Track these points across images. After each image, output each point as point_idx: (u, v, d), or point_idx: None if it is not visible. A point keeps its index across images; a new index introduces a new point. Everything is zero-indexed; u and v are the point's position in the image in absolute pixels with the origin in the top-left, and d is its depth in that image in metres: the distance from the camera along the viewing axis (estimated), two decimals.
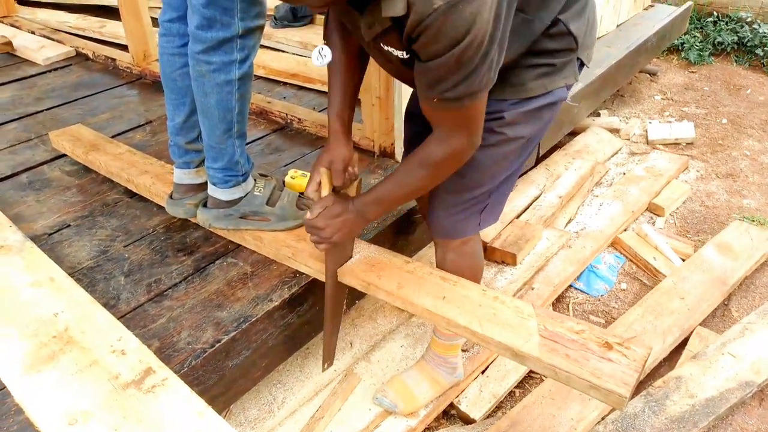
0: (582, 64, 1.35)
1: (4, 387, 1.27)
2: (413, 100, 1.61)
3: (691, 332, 1.99)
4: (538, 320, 1.31)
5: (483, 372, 1.86)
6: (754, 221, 2.45)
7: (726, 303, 2.16)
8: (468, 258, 1.56)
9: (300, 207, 1.73)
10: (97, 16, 3.84)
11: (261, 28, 1.50)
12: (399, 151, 2.13)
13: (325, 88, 2.72)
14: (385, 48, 1.14)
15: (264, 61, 3.03)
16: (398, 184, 1.31)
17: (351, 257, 1.54)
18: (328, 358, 1.69)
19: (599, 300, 2.22)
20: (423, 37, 1.03)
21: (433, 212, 1.51)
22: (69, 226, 1.88)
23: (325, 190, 1.38)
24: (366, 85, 2.01)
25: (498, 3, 1.01)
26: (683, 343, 1.97)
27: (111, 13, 3.82)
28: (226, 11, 1.40)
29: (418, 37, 1.03)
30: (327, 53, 1.32)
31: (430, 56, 1.06)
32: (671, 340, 1.94)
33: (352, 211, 1.35)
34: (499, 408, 1.81)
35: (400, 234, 1.93)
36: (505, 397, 1.83)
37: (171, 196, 1.79)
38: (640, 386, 1.81)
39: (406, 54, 1.12)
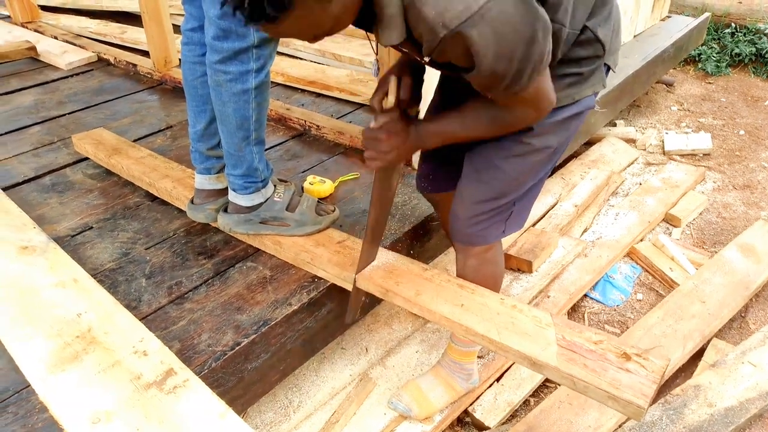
0: (608, 69, 1.35)
1: (29, 385, 1.30)
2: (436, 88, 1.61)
3: (710, 340, 1.98)
4: (557, 330, 1.31)
5: (498, 380, 1.86)
6: None
7: (743, 315, 2.15)
8: (489, 265, 1.55)
9: (319, 213, 1.75)
10: (118, 22, 3.90)
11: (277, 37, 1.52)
12: (415, 158, 2.14)
13: (342, 96, 2.77)
14: (406, 51, 1.15)
15: (283, 69, 3.07)
16: (464, 125, 1.26)
17: (395, 193, 1.51)
18: (354, 313, 1.63)
19: (615, 310, 2.21)
20: (442, 58, 1.04)
21: (457, 219, 1.49)
22: (91, 228, 1.91)
23: (392, 99, 1.28)
24: None
25: (502, 13, 0.98)
26: (701, 351, 1.96)
27: (132, 19, 3.89)
28: (242, 22, 1.42)
29: (437, 59, 1.05)
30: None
31: (464, 70, 1.06)
32: (691, 345, 1.92)
33: (413, 134, 1.29)
34: (513, 416, 1.81)
35: (417, 241, 1.94)
36: (520, 405, 1.83)
37: (192, 201, 1.82)
38: (658, 394, 1.80)
39: (423, 60, 1.13)
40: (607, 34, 1.26)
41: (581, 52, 1.25)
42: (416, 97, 1.35)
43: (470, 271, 1.55)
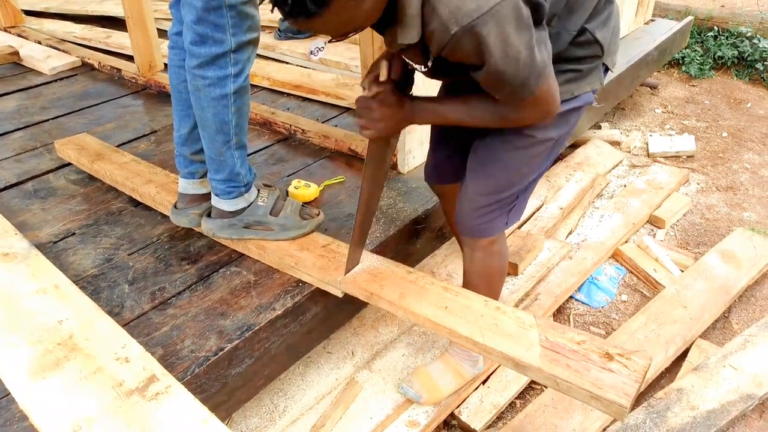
0: (607, 69, 1.40)
1: (9, 393, 1.28)
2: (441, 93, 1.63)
3: (692, 343, 1.99)
4: (540, 331, 1.32)
5: (484, 382, 1.86)
6: (756, 232, 2.46)
7: (726, 315, 2.17)
8: (496, 256, 1.61)
9: (303, 216, 1.75)
10: (103, 26, 3.88)
11: (255, 41, 1.51)
12: (402, 162, 2.14)
13: (328, 100, 2.77)
14: (407, 61, 1.19)
15: (268, 73, 3.06)
16: (464, 112, 1.29)
17: (388, 170, 1.52)
18: (351, 268, 1.62)
19: (600, 311, 2.22)
20: (452, 57, 1.08)
21: (463, 213, 1.54)
22: (74, 234, 1.90)
23: (384, 74, 1.30)
24: None
25: (515, 9, 1.03)
26: (684, 354, 1.97)
27: (117, 23, 3.87)
28: (218, 28, 1.42)
29: (447, 57, 1.09)
30: (322, 46, 1.36)
31: (472, 68, 1.10)
32: (674, 349, 1.94)
33: (406, 106, 1.32)
34: (500, 418, 1.81)
35: (402, 244, 1.94)
36: (506, 407, 1.84)
37: (176, 206, 1.81)
38: (641, 397, 1.81)
39: (425, 68, 1.17)
40: (606, 36, 1.31)
41: (580, 52, 1.30)
42: (408, 79, 1.38)
43: (478, 263, 1.60)
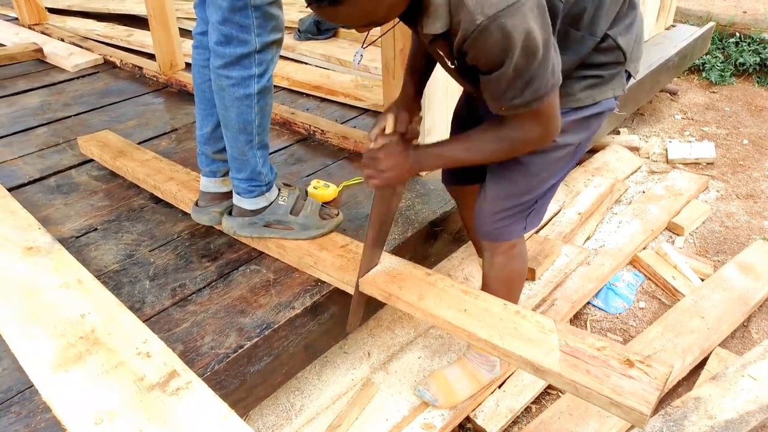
0: (629, 76, 1.39)
1: (32, 385, 1.30)
2: (461, 104, 1.66)
3: (710, 352, 1.97)
4: (559, 335, 1.31)
5: (500, 386, 1.86)
6: None
7: (746, 324, 2.15)
8: (516, 260, 1.62)
9: (323, 216, 1.75)
10: (124, 25, 3.92)
11: (279, 42, 1.53)
12: None
13: (347, 101, 2.78)
14: (439, 52, 1.19)
15: (288, 73, 3.08)
16: (467, 149, 1.31)
17: (394, 216, 1.57)
18: (354, 322, 1.65)
19: (617, 318, 2.21)
20: (472, 51, 1.08)
21: (482, 217, 1.54)
22: (96, 229, 1.92)
23: (390, 127, 1.38)
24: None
25: (539, 7, 1.04)
26: (702, 363, 1.96)
27: (139, 22, 3.91)
28: (243, 28, 1.43)
29: (467, 51, 1.08)
30: (362, 54, 1.38)
31: (487, 68, 1.11)
32: (690, 359, 1.93)
33: (412, 156, 1.35)
34: (515, 423, 1.81)
35: (420, 246, 1.94)
36: (522, 412, 1.83)
37: (197, 204, 1.83)
38: (659, 405, 1.80)
39: (452, 65, 1.18)
40: (629, 43, 1.31)
41: (602, 58, 1.30)
42: (414, 132, 1.43)
43: (498, 268, 1.61)
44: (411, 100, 1.47)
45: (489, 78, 1.12)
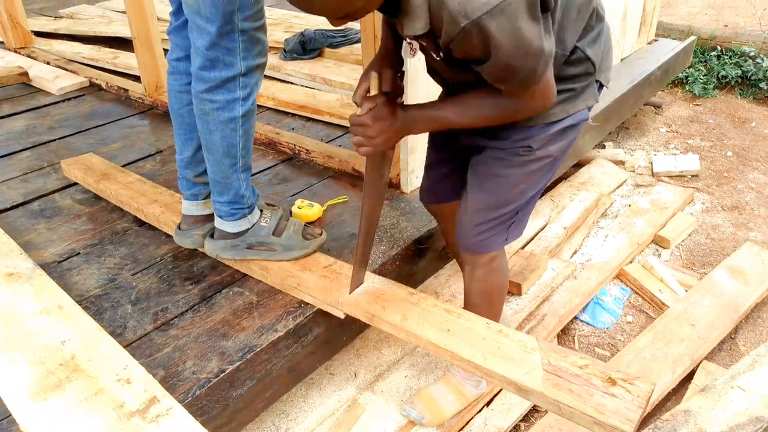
0: (601, 86, 1.41)
1: (10, 415, 1.28)
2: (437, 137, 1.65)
3: (699, 364, 1.97)
4: (542, 354, 1.31)
5: (488, 404, 1.85)
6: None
7: (733, 336, 2.15)
8: (496, 273, 1.61)
9: (306, 237, 1.75)
10: (111, 47, 3.93)
11: (263, 66, 1.53)
12: (405, 182, 2.15)
13: (333, 120, 2.78)
14: (423, 44, 1.19)
15: (273, 93, 3.09)
16: (462, 113, 1.28)
17: (387, 181, 1.52)
18: (356, 286, 1.61)
19: (605, 332, 2.21)
20: (459, 50, 1.08)
21: (462, 229, 1.54)
22: (78, 254, 1.91)
23: (375, 88, 1.30)
24: None
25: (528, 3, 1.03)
26: (690, 375, 1.95)
27: (124, 44, 3.91)
28: (229, 51, 1.44)
29: (454, 50, 1.09)
30: (415, 47, 1.33)
31: (478, 62, 1.10)
32: (681, 369, 1.92)
33: (400, 118, 1.30)
34: None
35: (405, 264, 1.94)
36: (510, 430, 1.82)
37: (179, 227, 1.82)
38: (648, 419, 1.79)
39: (438, 57, 1.18)
40: (597, 54, 1.33)
41: (573, 70, 1.32)
42: (399, 89, 1.38)
43: (478, 281, 1.60)
44: (392, 54, 1.40)
45: (482, 68, 1.12)
